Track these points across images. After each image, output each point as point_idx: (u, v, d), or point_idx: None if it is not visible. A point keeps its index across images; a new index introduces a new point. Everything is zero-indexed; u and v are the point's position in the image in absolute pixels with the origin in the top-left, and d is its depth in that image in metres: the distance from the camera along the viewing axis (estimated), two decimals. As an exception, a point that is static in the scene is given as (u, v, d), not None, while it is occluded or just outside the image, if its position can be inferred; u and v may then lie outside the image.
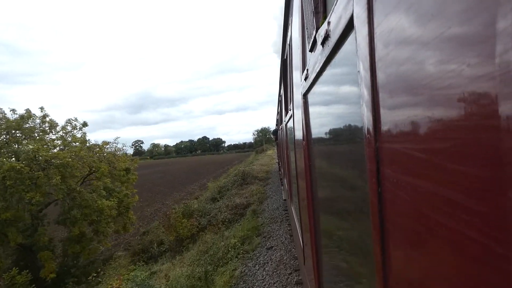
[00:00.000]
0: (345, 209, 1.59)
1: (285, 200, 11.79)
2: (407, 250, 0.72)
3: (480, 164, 0.44)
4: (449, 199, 0.52)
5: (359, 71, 0.94)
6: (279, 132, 12.76)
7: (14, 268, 16.00)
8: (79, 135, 22.22)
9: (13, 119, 20.32)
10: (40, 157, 17.65)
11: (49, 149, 19.55)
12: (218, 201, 20.47)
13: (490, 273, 0.43)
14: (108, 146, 22.96)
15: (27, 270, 16.07)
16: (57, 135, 21.89)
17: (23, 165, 16.71)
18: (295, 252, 7.74)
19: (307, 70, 2.15)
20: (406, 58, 0.65)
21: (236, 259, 9.37)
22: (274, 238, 10.06)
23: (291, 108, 4.41)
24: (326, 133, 1.88)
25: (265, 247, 9.50)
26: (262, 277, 7.71)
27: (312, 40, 1.79)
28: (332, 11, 1.27)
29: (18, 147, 19.32)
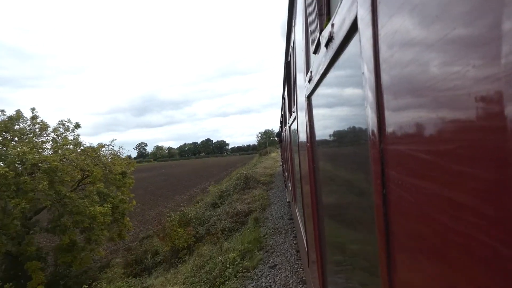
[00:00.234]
0: (350, 211, 1.58)
1: (289, 202, 11.73)
2: (412, 252, 0.72)
3: (485, 165, 0.44)
4: (454, 201, 0.52)
5: (363, 73, 0.94)
6: (283, 134, 12.75)
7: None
8: (71, 137, 20.92)
9: (0, 120, 18.97)
10: (26, 161, 16.49)
11: (38, 152, 18.39)
12: (219, 206, 19.52)
13: (496, 276, 0.43)
14: (103, 148, 21.81)
15: (10, 284, 14.89)
16: (48, 138, 20.44)
17: (7, 170, 15.62)
18: (303, 274, 6.91)
19: (311, 72, 2.15)
20: (410, 59, 0.65)
21: (235, 278, 8.35)
22: (278, 253, 9.05)
23: (295, 110, 4.41)
24: (330, 135, 1.87)
25: (268, 264, 8.51)
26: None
27: (315, 42, 1.80)
28: (336, 13, 1.27)
29: (5, 150, 17.90)
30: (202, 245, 13.24)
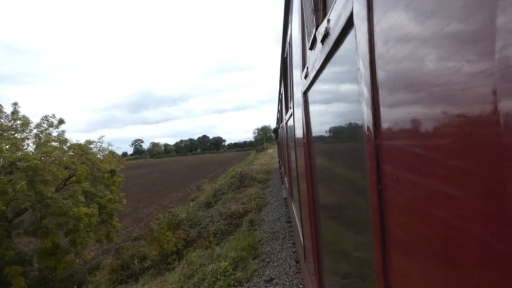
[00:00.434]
0: (346, 206, 1.59)
1: (285, 198, 11.73)
2: (407, 246, 0.73)
3: (479, 160, 0.44)
4: (449, 195, 0.52)
5: (359, 68, 0.94)
6: (280, 130, 12.75)
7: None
8: (55, 134, 19.53)
9: None
10: (4, 159, 15.49)
11: (18, 149, 17.27)
12: (212, 206, 18.59)
13: (490, 269, 0.43)
14: (91, 145, 20.58)
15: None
16: (30, 134, 18.94)
17: None
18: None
19: (307, 68, 2.15)
20: (405, 55, 0.65)
21: (226, 292, 7.44)
22: (275, 263, 7.93)
23: (292, 107, 4.41)
24: (326, 131, 1.88)
25: (263, 277, 7.52)
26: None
27: (312, 38, 1.79)
28: (332, 9, 1.27)
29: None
30: (192, 250, 12.36)
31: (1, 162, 15.88)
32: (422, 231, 0.64)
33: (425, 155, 0.60)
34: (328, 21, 1.31)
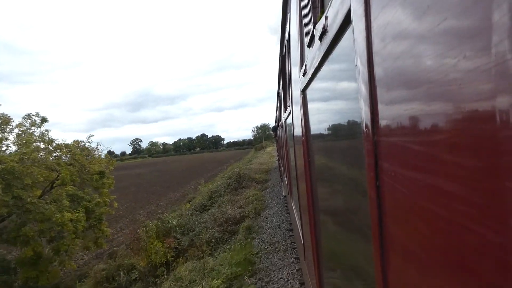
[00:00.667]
0: (345, 203, 1.59)
1: (285, 196, 11.72)
2: (405, 242, 0.73)
3: (476, 155, 0.44)
4: (446, 191, 0.53)
5: (356, 65, 0.94)
6: (279, 128, 12.74)
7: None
8: (38, 133, 17.77)
9: None
10: None
11: None
12: (208, 209, 17.46)
13: (489, 264, 0.44)
14: (79, 145, 18.74)
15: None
16: (11, 134, 17.20)
17: None
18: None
19: (305, 65, 2.15)
20: (403, 51, 0.65)
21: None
22: (275, 284, 6.76)
23: (290, 105, 4.41)
24: (325, 129, 1.88)
25: None
26: None
27: (310, 35, 1.79)
28: (330, 6, 1.26)
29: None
30: (183, 262, 11.23)
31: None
32: (420, 228, 0.64)
33: (423, 151, 0.61)
34: (326, 18, 1.31)
